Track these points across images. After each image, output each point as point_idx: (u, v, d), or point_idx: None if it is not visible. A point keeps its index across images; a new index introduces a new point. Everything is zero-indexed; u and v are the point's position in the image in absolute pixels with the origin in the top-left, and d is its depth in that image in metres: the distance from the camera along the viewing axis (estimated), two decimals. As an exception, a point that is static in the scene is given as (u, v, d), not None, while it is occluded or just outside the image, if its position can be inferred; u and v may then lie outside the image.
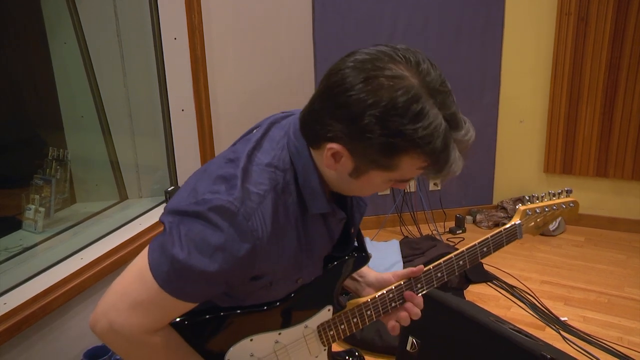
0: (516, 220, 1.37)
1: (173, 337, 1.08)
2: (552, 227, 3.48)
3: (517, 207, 1.40)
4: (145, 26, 2.42)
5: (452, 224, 3.65)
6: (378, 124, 0.88)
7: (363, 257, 1.23)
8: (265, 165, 1.01)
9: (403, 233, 3.58)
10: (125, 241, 2.16)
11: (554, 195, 1.41)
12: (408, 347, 2.02)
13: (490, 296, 2.87)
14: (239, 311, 1.13)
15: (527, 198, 1.39)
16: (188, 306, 1.03)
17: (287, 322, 1.18)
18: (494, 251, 1.32)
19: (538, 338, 1.88)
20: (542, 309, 2.72)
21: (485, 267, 3.09)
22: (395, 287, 1.23)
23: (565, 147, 3.50)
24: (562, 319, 2.63)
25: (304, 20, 3.24)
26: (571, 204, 1.42)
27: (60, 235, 2.24)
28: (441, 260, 1.26)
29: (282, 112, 1.13)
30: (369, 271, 1.32)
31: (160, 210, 2.47)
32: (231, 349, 1.14)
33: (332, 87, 0.92)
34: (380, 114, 0.88)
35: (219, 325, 1.14)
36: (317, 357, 1.24)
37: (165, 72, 2.44)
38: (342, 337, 1.24)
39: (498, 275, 3.03)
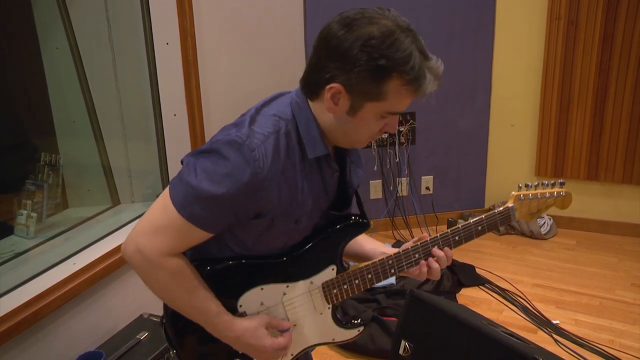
0: (509, 204, 1.43)
1: (189, 266, 1.22)
2: (543, 230, 3.50)
3: (511, 193, 1.46)
4: (137, 31, 2.42)
5: (444, 227, 3.66)
6: (364, 53, 1.08)
7: (364, 223, 1.35)
8: (271, 115, 1.20)
9: (395, 237, 3.59)
10: (118, 246, 2.14)
11: (546, 185, 1.47)
12: (401, 351, 2.02)
13: (482, 300, 2.88)
14: (251, 261, 1.28)
15: (520, 186, 1.45)
16: (202, 233, 1.17)
17: (294, 276, 1.31)
18: (488, 231, 1.40)
19: (530, 341, 1.89)
20: (534, 312, 2.73)
21: (478, 270, 3.10)
22: (394, 255, 1.35)
23: (556, 150, 3.52)
24: (554, 322, 2.64)
25: (296, 25, 3.25)
26: (563, 194, 1.47)
27: (52, 241, 2.23)
28: (438, 235, 1.36)
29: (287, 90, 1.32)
30: (393, 250, 1.43)
31: (152, 215, 2.46)
32: (244, 295, 1.28)
33: (323, 38, 1.14)
34: (364, 44, 1.08)
35: (234, 273, 1.28)
36: (321, 313, 1.36)
37: (157, 76, 2.44)
38: (345, 297, 1.36)
39: (490, 279, 3.04)
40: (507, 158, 3.70)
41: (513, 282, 3.00)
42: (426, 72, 1.11)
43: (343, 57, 1.10)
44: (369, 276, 1.35)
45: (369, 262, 1.35)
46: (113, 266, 2.09)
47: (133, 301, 2.17)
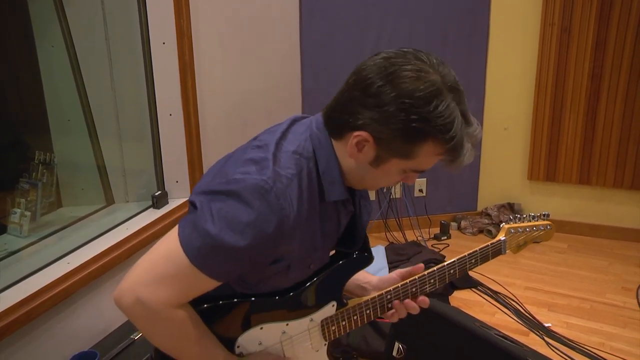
0: (501, 237, 1.46)
1: (194, 315, 1.13)
2: (535, 233, 3.52)
3: (501, 225, 1.50)
4: (133, 30, 2.41)
5: (437, 230, 3.68)
6: (404, 111, 0.99)
7: (366, 257, 1.31)
8: (292, 153, 1.09)
9: (388, 239, 3.60)
10: (112, 246, 2.15)
11: (533, 217, 1.51)
12: (394, 353, 2.03)
13: (474, 302, 2.89)
14: (253, 299, 1.21)
15: (511, 218, 1.49)
16: (212, 283, 1.08)
17: (295, 314, 1.26)
18: (480, 263, 1.41)
19: (523, 344, 1.91)
20: (526, 315, 2.75)
21: (470, 273, 3.11)
22: (393, 289, 1.32)
23: (548, 154, 3.54)
24: (546, 324, 2.66)
25: (292, 27, 3.25)
26: (548, 227, 1.53)
27: (46, 240, 2.21)
28: (435, 268, 1.34)
29: (301, 114, 1.23)
30: (372, 277, 1.41)
31: (147, 214, 2.46)
32: (242, 335, 1.22)
33: (362, 80, 1.03)
34: (408, 102, 0.98)
35: (233, 312, 1.21)
36: (317, 351, 1.32)
37: (153, 76, 2.43)
38: (343, 333, 1.32)
39: (482, 282, 3.05)
40: (499, 161, 3.72)
41: (505, 285, 3.02)
42: (464, 141, 1.03)
43: (379, 110, 1.01)
44: (368, 312, 1.32)
45: (368, 298, 1.32)
46: (107, 266, 2.08)
47: (127, 301, 2.16)
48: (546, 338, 2.54)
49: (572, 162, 3.50)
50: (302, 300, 1.26)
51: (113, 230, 2.30)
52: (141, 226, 2.33)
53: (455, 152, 1.03)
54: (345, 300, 1.33)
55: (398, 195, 3.67)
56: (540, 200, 3.68)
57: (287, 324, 1.25)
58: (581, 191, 3.57)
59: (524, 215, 1.50)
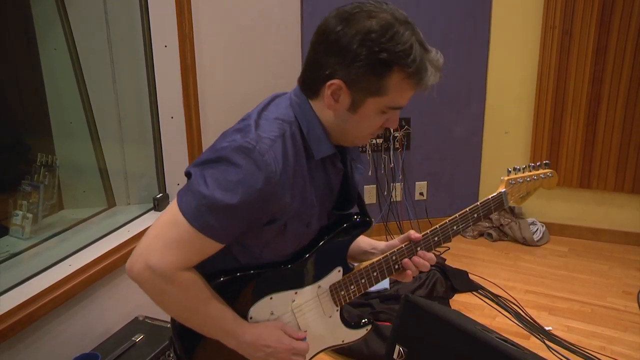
0: (501, 189, 1.45)
1: (201, 279, 1.19)
2: (536, 237, 3.53)
3: (501, 178, 1.48)
4: (135, 33, 2.42)
5: (437, 233, 3.67)
6: (364, 47, 1.07)
7: (367, 222, 1.35)
8: (274, 119, 1.17)
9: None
10: (114, 248, 2.15)
11: (534, 167, 1.51)
12: (395, 356, 2.03)
13: (475, 305, 2.89)
14: (258, 270, 1.26)
15: (509, 170, 1.48)
16: (215, 245, 1.14)
17: (302, 282, 1.31)
18: (483, 218, 1.42)
19: (523, 347, 1.91)
20: (526, 319, 2.75)
21: (471, 276, 3.12)
22: (397, 250, 1.35)
23: (549, 158, 3.54)
24: (547, 328, 2.66)
25: (293, 29, 3.26)
26: (549, 174, 1.53)
27: (47, 242, 2.22)
28: (437, 226, 1.37)
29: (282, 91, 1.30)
30: (378, 243, 1.44)
31: (148, 217, 2.47)
32: (253, 306, 1.27)
33: (321, 34, 1.12)
34: (363, 39, 1.07)
35: (243, 284, 1.26)
36: (330, 316, 1.36)
37: (155, 79, 2.44)
38: (353, 298, 1.36)
39: (483, 285, 3.05)
40: (500, 165, 3.71)
41: (506, 289, 3.02)
42: (427, 64, 1.11)
43: (343, 52, 1.08)
44: (375, 274, 1.35)
45: (374, 260, 1.35)
46: (108, 268, 2.09)
47: (128, 303, 2.17)
48: (547, 341, 2.54)
49: (572, 166, 3.50)
50: (307, 267, 1.30)
51: (114, 233, 2.31)
52: (142, 229, 2.33)
53: (419, 74, 1.10)
54: (351, 266, 1.36)
55: (399, 199, 3.67)
56: (541, 204, 3.68)
57: (296, 292, 1.30)
58: (582, 195, 3.57)
59: (524, 166, 1.49)
